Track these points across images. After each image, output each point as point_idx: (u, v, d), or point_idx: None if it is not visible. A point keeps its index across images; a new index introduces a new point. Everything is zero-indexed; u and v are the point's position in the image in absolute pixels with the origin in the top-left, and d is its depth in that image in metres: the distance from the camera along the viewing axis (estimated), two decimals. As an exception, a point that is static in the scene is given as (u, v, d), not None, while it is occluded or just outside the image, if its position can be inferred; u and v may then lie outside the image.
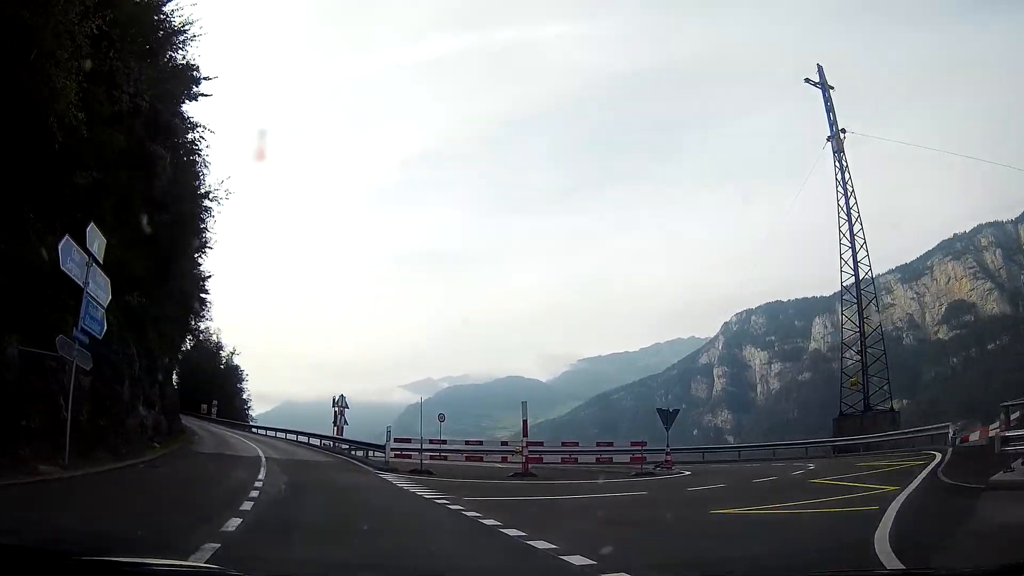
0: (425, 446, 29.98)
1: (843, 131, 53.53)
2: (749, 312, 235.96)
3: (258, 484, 16.90)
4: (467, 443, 39.82)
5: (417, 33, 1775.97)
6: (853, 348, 56.32)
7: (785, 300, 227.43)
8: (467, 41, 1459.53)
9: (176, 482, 18.77)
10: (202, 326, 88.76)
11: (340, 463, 33.55)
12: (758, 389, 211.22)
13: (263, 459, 27.76)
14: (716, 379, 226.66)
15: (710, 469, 35.95)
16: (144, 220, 25.82)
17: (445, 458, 34.04)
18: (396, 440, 32.58)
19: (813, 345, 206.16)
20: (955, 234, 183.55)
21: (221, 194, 40.10)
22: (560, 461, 34.06)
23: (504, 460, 33.42)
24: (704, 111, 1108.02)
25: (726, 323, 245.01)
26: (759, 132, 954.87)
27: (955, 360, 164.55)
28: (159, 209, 28.51)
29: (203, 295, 65.96)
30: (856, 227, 54.28)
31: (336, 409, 45.31)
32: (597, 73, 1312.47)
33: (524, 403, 30.70)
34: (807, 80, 56.31)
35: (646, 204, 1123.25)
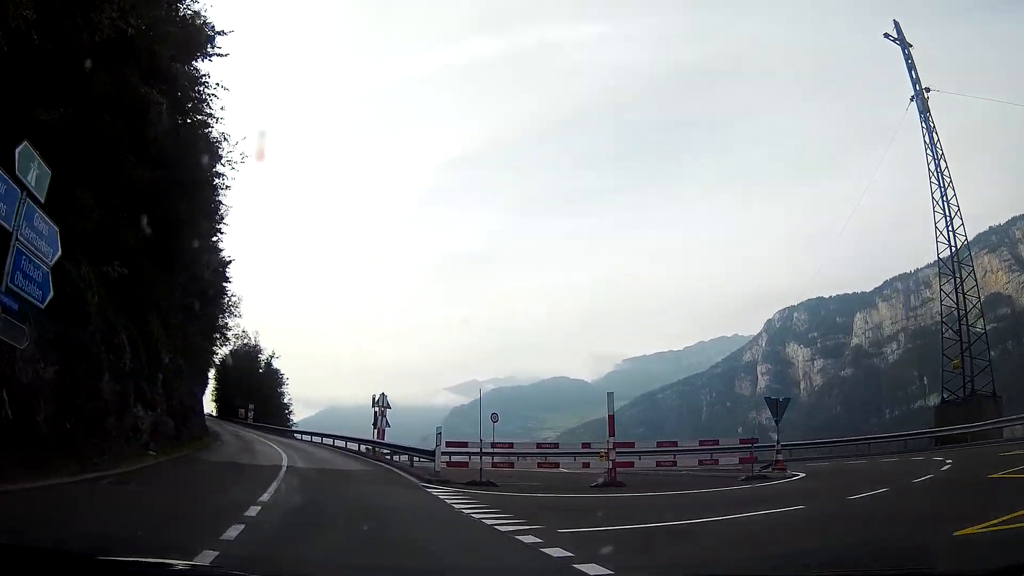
0: (486, 450, 24.37)
1: (927, 89, 47.87)
2: (791, 309, 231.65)
3: (254, 509, 11.51)
4: (539, 446, 32.17)
5: (449, 38, 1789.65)
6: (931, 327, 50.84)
7: (826, 296, 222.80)
8: (498, 45, 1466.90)
9: (128, 507, 12.61)
10: (231, 323, 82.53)
11: (379, 473, 27.61)
12: (801, 386, 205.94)
13: (283, 468, 23.23)
14: (760, 376, 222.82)
15: (824, 469, 29.97)
16: (133, 174, 21.37)
17: (511, 465, 27.38)
18: (449, 444, 26.86)
19: (855, 341, 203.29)
20: (990, 227, 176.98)
21: (236, 157, 33.75)
22: (655, 465, 28.06)
23: (585, 466, 26.59)
24: (739, 107, 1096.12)
25: (769, 320, 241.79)
26: (793, 129, 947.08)
27: (993, 354, 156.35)
28: (154, 166, 23.67)
29: (224, 283, 62.15)
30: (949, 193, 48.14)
31: (376, 409, 38.96)
32: (628, 73, 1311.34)
33: (610, 394, 25.72)
34: (886, 35, 50.39)
35: (688, 201, 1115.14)
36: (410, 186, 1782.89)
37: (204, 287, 43.88)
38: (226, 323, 79.57)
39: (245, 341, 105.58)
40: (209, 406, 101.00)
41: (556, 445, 31.59)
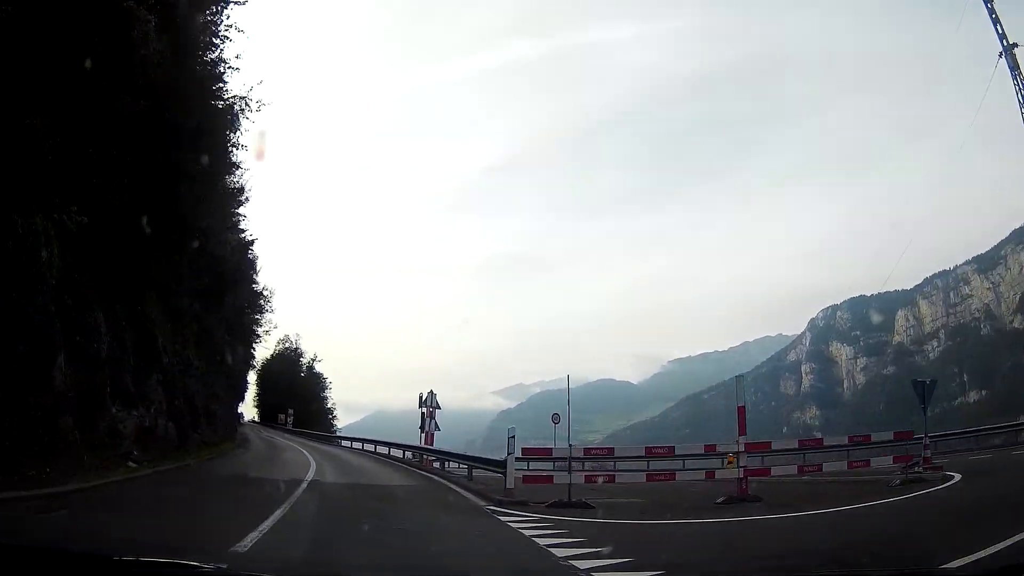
0: (577, 457, 18.84)
1: (1015, 45, 46.67)
2: (834, 307, 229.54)
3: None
4: (649, 451, 23.21)
5: (488, 40, 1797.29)
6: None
7: (868, 295, 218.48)
8: (535, 47, 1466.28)
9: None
10: (264, 319, 77.28)
11: (429, 489, 21.27)
12: (845, 384, 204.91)
13: (304, 484, 17.98)
14: (804, 376, 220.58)
15: (978, 464, 22.89)
16: (112, 100, 16.67)
17: (612, 479, 19.80)
18: (526, 451, 20.86)
19: (896, 339, 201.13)
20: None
21: (252, 104, 26.49)
22: (797, 471, 20.77)
23: (711, 477, 19.51)
24: (779, 106, 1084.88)
25: (812, 319, 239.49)
26: (832, 126, 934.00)
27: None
28: (141, 95, 17.71)
29: (251, 271, 59.00)
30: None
31: (424, 410, 33.30)
32: (671, 72, 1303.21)
33: (739, 378, 22.13)
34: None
35: (730, 200, 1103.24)
36: (450, 189, 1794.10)
37: (222, 269, 37.53)
38: (256, 318, 75.14)
39: (286, 344, 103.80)
40: (251, 412, 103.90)
41: (671, 449, 23.01)
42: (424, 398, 34.05)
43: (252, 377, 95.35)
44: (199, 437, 27.50)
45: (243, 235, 48.96)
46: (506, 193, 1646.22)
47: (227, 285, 43.54)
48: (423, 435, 32.76)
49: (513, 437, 18.83)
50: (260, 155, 33.16)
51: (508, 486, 17.64)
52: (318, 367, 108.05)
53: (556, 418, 32.81)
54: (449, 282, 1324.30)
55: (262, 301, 71.95)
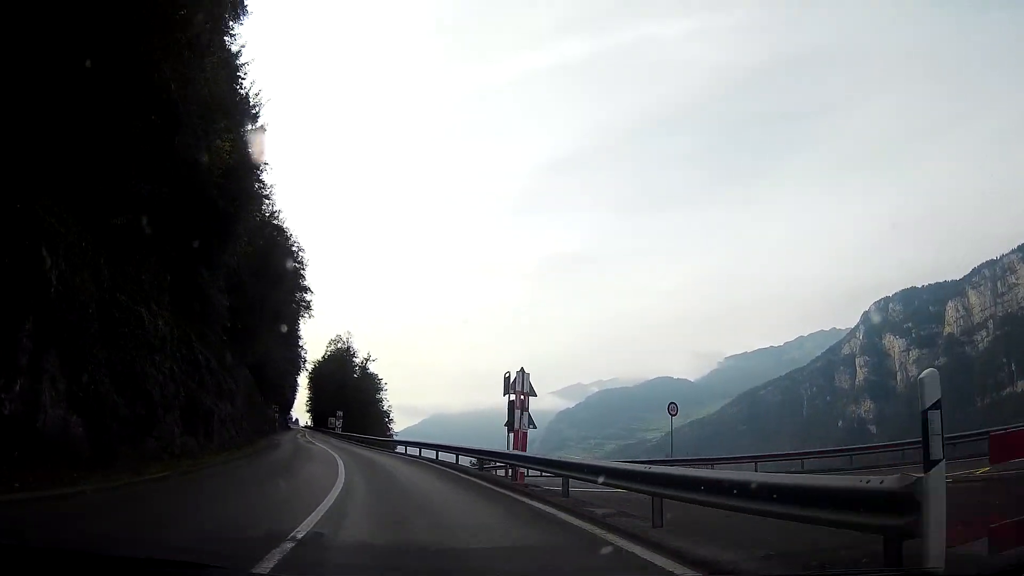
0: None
1: None
2: (887, 300, 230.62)
3: None
4: None
5: (544, 39, 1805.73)
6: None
7: (920, 286, 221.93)
8: (594, 44, 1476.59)
9: None
10: (304, 319, 75.69)
11: (549, 547, 9.50)
12: (898, 377, 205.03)
13: (311, 525, 9.44)
14: (858, 369, 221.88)
15: None
16: None
17: None
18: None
19: (947, 330, 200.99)
20: None
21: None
22: None
23: None
24: (828, 98, 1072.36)
25: (865, 312, 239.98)
26: (885, 117, 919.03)
27: None
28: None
29: (293, 261, 58.11)
30: None
31: (512, 397, 23.07)
32: (722, 67, 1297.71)
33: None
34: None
35: (781, 196, 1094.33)
36: (505, 191, 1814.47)
37: (224, 221, 28.60)
38: (299, 301, 72.16)
39: (338, 345, 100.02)
40: (304, 417, 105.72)
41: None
42: (512, 379, 23.13)
43: (304, 381, 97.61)
44: (158, 444, 19.61)
45: (276, 218, 52.34)
46: (562, 193, 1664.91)
47: (256, 275, 41.93)
48: (512, 436, 23.05)
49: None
50: (261, 155, 33.28)
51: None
52: (372, 367, 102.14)
53: (673, 408, 36.07)
54: (506, 282, 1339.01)
55: (299, 285, 69.16)
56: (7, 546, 4.13)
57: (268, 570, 6.13)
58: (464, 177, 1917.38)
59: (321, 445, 45.32)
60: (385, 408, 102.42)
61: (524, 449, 23.14)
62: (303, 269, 71.89)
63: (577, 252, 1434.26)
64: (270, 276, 47.47)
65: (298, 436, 64.73)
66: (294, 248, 68.42)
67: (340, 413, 75.32)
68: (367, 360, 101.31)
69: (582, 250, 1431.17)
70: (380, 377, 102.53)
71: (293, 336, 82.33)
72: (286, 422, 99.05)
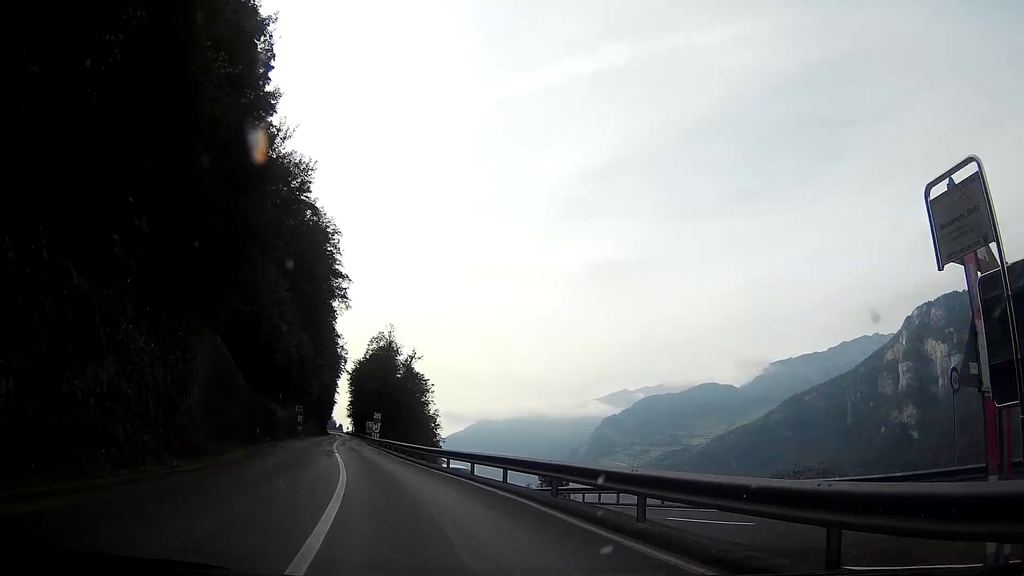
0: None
1: None
2: (929, 304, 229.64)
3: None
4: None
5: (584, 46, 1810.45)
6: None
7: (961, 291, 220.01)
8: (633, 51, 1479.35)
9: None
10: (343, 287, 77.46)
11: None
12: (939, 383, 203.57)
13: None
14: (901, 375, 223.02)
15: None
16: None
17: None
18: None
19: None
20: None
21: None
22: None
23: None
24: (867, 102, 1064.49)
25: (908, 317, 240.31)
26: (926, 120, 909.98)
27: None
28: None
29: (316, 217, 62.52)
30: None
31: None
32: (761, 73, 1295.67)
33: None
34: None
35: (822, 201, 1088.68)
36: (547, 197, 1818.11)
37: (237, 183, 25.44)
38: (335, 289, 75.49)
39: (380, 343, 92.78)
40: (346, 422, 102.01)
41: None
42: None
43: (344, 385, 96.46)
44: (154, 445, 17.84)
45: (297, 155, 53.37)
46: (604, 200, 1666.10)
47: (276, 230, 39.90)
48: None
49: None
50: (262, 155, 29.55)
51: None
52: (418, 366, 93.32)
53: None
54: (550, 290, 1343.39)
55: (330, 245, 71.36)
56: (7, 546, 4.06)
57: (271, 571, 6.19)
58: (506, 184, 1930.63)
59: (338, 457, 33.07)
60: (431, 412, 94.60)
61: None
62: (338, 253, 74.14)
63: (620, 259, 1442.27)
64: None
65: (325, 444, 52.80)
66: (328, 228, 70.63)
67: (378, 416, 65.38)
68: (412, 357, 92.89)
69: (625, 257, 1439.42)
70: (426, 377, 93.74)
71: (330, 334, 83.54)
72: (324, 427, 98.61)
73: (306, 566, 6.70)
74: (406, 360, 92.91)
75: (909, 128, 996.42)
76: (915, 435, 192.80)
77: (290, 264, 47.28)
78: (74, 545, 5.94)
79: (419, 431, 77.12)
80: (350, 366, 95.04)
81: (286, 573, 6.38)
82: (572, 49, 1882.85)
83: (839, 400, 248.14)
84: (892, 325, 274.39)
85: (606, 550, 9.33)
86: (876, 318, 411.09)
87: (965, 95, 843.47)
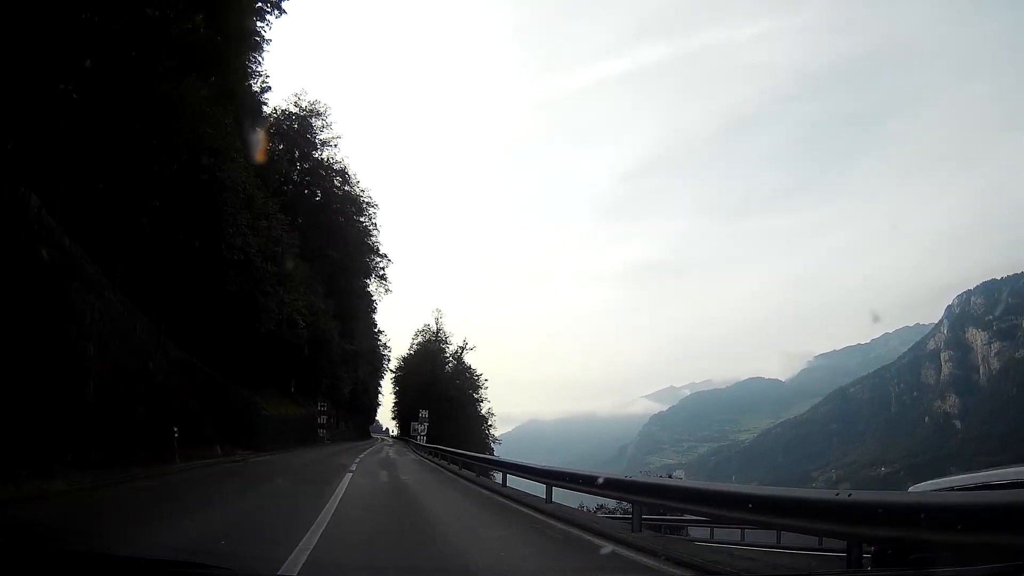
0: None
1: None
2: (968, 293, 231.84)
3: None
4: None
5: (619, 46, 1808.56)
6: None
7: (999, 278, 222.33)
8: (669, 49, 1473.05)
9: None
10: (381, 266, 73.09)
11: None
12: (980, 371, 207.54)
13: None
14: (943, 364, 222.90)
15: None
16: None
17: None
18: None
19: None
20: None
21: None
22: None
23: None
24: (900, 95, 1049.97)
25: (949, 306, 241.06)
26: (964, 111, 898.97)
27: None
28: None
29: (355, 191, 60.23)
30: None
31: None
32: (797, 68, 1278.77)
33: None
34: None
35: (861, 193, 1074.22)
36: (589, 197, 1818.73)
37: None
38: (373, 267, 71.58)
39: (426, 336, 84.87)
40: (392, 424, 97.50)
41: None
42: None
43: (388, 387, 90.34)
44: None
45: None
46: (645, 199, 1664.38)
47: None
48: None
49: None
50: (262, 155, 33.19)
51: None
52: (469, 358, 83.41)
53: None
54: (594, 289, 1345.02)
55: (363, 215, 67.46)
56: (7, 546, 3.99)
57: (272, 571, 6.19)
58: (547, 186, 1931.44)
59: (371, 465, 28.73)
60: (484, 411, 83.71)
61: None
62: (374, 228, 68.89)
63: (661, 257, 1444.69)
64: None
65: (346, 455, 36.57)
66: (362, 200, 65.53)
67: (424, 414, 53.69)
68: (463, 349, 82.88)
69: (666, 255, 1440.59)
70: (479, 372, 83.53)
71: (366, 322, 79.22)
72: (367, 431, 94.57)
73: None
74: (456, 352, 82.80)
75: (944, 120, 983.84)
76: (958, 424, 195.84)
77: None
78: (77, 545, 5.83)
79: (471, 433, 71.61)
80: (393, 364, 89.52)
81: (285, 573, 6.42)
82: (606, 51, 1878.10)
83: (883, 391, 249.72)
84: (933, 314, 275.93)
85: None
86: (876, 319, 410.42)
87: (998, 87, 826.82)
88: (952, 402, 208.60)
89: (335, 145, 59.44)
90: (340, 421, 69.40)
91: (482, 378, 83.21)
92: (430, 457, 38.85)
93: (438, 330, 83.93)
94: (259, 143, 34.00)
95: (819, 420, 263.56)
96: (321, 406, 55.54)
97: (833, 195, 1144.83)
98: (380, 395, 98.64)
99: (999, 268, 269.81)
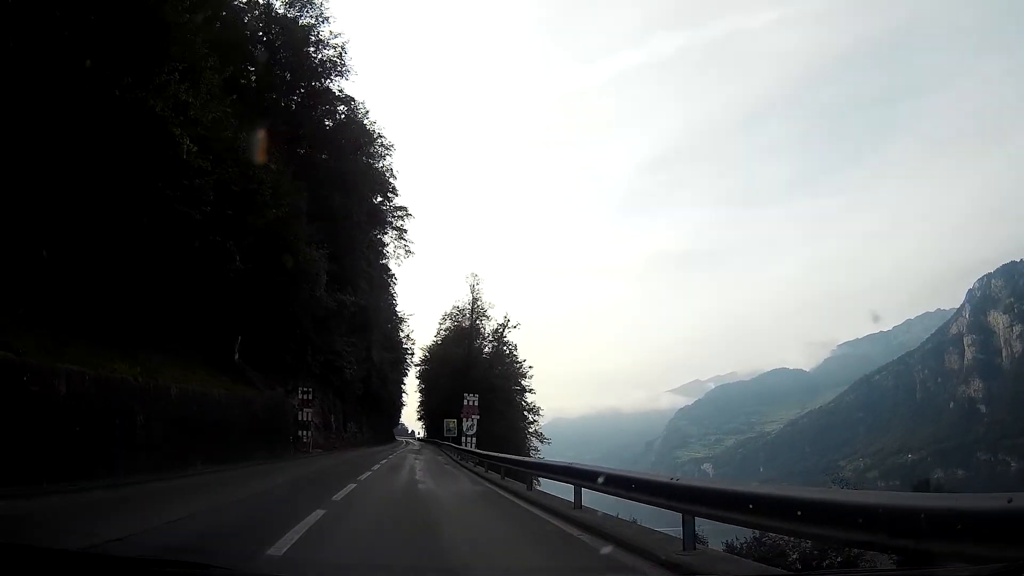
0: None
1: None
2: (989, 276, 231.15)
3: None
4: None
5: (635, 38, 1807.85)
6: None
7: (1020, 259, 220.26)
8: (683, 39, 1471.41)
9: None
10: (395, 214, 62.78)
11: None
12: (1003, 354, 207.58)
13: None
14: (966, 348, 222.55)
15: None
16: None
17: None
18: None
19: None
20: None
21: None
22: None
23: None
24: (925, 77, 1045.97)
25: (970, 290, 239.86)
26: (980, 92, 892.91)
27: None
28: None
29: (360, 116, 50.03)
30: None
31: None
32: (812, 54, 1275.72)
33: None
34: None
35: (878, 179, 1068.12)
36: (607, 191, 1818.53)
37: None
38: (385, 209, 60.62)
39: (455, 319, 71.79)
40: (418, 426, 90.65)
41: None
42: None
43: (412, 386, 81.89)
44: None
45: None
46: (663, 191, 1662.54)
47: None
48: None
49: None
50: (262, 154, 26.60)
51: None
52: (512, 337, 68.63)
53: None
54: (615, 283, 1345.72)
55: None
56: (7, 546, 3.83)
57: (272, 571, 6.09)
58: (567, 178, 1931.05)
59: (373, 482, 19.12)
60: (529, 402, 68.01)
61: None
62: (388, 172, 58.39)
63: (682, 249, 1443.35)
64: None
65: (341, 475, 20.65)
66: (373, 132, 54.27)
67: (473, 400, 40.76)
68: (505, 326, 67.66)
69: (687, 247, 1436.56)
70: (522, 359, 68.50)
71: (386, 302, 69.00)
72: (392, 434, 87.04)
73: None
74: (497, 329, 68.27)
75: (963, 101, 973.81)
76: (983, 408, 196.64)
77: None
78: (76, 545, 5.68)
79: (512, 435, 58.53)
80: (418, 357, 79.53)
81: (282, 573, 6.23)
82: (623, 42, 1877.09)
83: (907, 378, 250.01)
84: (955, 299, 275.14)
85: None
86: (876, 318, 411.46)
87: (1007, 66, 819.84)
88: (976, 386, 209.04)
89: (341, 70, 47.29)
90: (349, 421, 55.91)
91: (526, 364, 68.09)
92: (464, 466, 30.28)
93: (475, 300, 68.20)
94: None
95: (844, 409, 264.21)
96: (305, 392, 36.59)
97: (849, 182, 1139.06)
98: (404, 394, 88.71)
99: (1019, 250, 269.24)
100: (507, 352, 68.57)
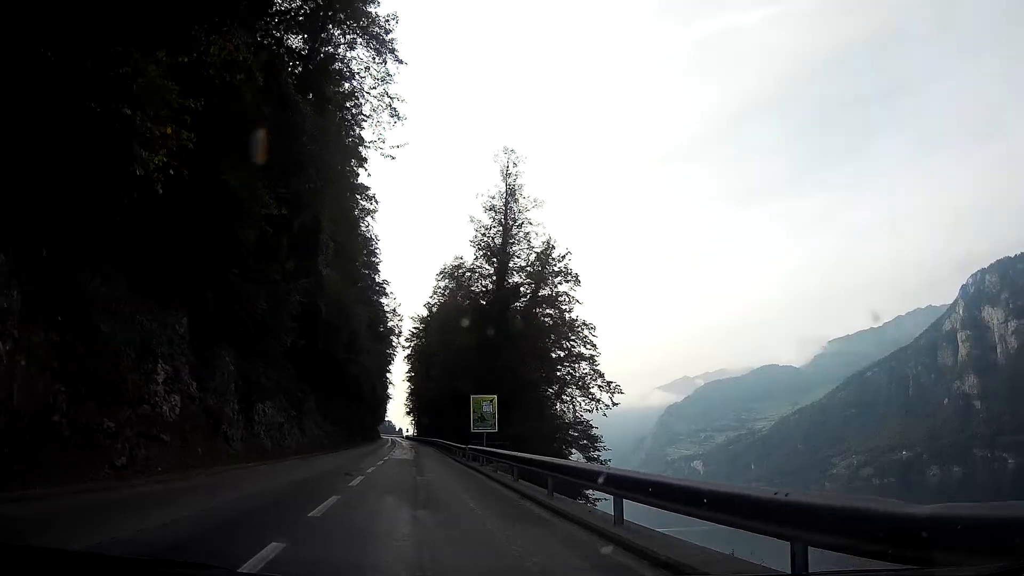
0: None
1: None
2: (983, 272, 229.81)
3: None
4: None
5: (628, 35, 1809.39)
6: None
7: (1013, 255, 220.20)
8: (676, 36, 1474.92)
9: None
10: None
11: None
12: (998, 350, 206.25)
13: None
14: (960, 344, 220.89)
15: None
16: None
17: None
18: None
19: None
20: None
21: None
22: None
23: None
24: (905, 75, 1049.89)
25: (964, 286, 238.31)
26: (969, 90, 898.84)
27: None
28: None
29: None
30: None
31: None
32: (803, 52, 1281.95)
33: None
34: None
35: (870, 177, 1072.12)
36: (605, 189, 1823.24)
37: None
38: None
39: (456, 280, 54.28)
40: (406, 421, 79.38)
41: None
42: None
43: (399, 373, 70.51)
44: None
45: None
46: (658, 188, 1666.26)
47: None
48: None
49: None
50: (263, 155, 22.17)
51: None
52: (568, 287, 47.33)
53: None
54: (605, 277, 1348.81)
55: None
56: (7, 546, 3.84)
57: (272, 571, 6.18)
58: (560, 179, 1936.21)
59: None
60: (596, 390, 46.87)
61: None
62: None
63: (676, 246, 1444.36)
64: None
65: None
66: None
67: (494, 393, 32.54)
68: (548, 252, 47.16)
69: (681, 244, 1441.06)
70: (577, 319, 47.52)
71: (355, 242, 51.38)
72: (376, 431, 75.31)
73: None
74: (544, 249, 46.80)
75: (952, 99, 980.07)
76: (978, 405, 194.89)
77: None
78: (75, 545, 5.79)
79: (529, 433, 39.50)
80: (406, 334, 68.00)
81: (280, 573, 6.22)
82: (615, 40, 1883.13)
83: (900, 375, 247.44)
84: (946, 296, 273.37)
85: None
86: (876, 317, 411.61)
87: (997, 65, 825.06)
88: (971, 382, 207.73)
89: None
90: (303, 416, 38.60)
91: (587, 326, 46.65)
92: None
93: (511, 190, 46.25)
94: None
95: (837, 406, 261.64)
96: (179, 326, 20.75)
97: (841, 180, 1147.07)
98: (390, 384, 75.30)
99: (1012, 246, 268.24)
100: (519, 326, 44.26)
